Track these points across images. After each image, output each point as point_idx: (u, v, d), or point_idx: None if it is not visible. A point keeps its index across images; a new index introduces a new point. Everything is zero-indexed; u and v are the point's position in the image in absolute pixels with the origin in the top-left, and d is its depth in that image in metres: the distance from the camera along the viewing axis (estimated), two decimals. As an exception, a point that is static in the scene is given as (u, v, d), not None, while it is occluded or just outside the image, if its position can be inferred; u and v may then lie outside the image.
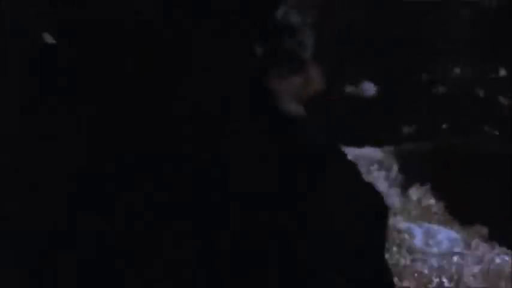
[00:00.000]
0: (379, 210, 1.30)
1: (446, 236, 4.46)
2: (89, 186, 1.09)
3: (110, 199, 1.13)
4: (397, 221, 4.28)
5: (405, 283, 3.93)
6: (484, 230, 4.71)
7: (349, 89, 6.79)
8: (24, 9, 1.09)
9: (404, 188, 5.10)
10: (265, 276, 1.22)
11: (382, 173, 4.97)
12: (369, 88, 6.70)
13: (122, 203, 1.13)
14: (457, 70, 7.21)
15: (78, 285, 1.11)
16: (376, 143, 5.36)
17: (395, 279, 3.76)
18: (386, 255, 1.26)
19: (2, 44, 1.07)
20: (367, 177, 4.69)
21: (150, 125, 1.11)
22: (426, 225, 4.54)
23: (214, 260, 1.17)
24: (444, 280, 4.10)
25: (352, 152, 5.18)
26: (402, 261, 4.08)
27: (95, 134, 1.09)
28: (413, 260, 4.20)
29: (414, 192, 4.99)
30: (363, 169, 5.00)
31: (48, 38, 0.98)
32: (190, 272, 1.14)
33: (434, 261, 4.19)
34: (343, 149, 1.21)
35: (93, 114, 1.07)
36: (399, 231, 4.24)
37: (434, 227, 4.55)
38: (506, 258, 4.45)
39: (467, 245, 4.55)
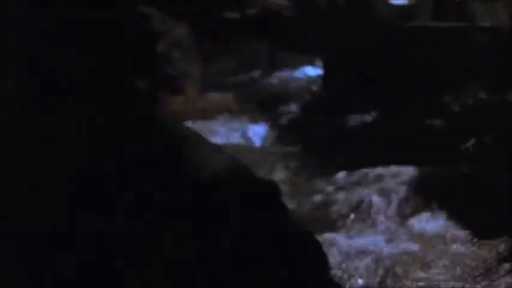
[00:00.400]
0: None
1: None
2: (89, 186, 1.10)
3: (109, 199, 1.14)
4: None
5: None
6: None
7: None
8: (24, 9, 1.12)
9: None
10: (265, 277, 1.22)
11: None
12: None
13: (122, 203, 1.14)
14: (478, 95, 7.20)
15: (77, 286, 1.11)
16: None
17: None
18: None
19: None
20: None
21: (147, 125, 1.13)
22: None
23: (214, 260, 1.18)
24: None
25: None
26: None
27: (94, 134, 1.11)
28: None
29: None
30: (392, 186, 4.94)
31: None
32: (190, 272, 1.15)
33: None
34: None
35: (93, 114, 1.08)
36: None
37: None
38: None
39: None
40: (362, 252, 4.02)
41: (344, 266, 3.90)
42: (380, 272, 3.82)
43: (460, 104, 7.25)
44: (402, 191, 4.81)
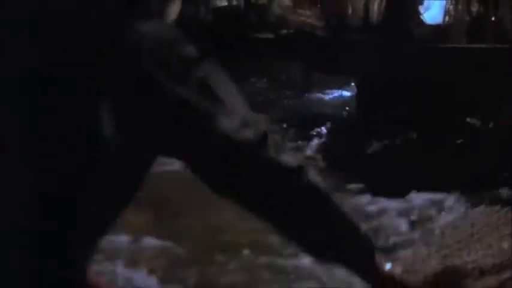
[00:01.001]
0: None
1: None
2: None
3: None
4: None
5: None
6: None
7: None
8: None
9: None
10: None
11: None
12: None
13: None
14: (500, 114, 7.13)
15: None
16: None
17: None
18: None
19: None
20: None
21: None
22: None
23: None
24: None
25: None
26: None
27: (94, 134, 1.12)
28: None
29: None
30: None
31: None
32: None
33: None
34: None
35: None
36: None
37: None
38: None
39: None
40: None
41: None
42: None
43: (495, 127, 7.14)
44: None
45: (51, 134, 1.06)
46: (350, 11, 10.23)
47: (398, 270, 1.17)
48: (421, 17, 9.20)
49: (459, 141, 6.59)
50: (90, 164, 1.07)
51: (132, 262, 3.87)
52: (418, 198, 4.97)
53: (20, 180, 1.07)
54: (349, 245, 1.16)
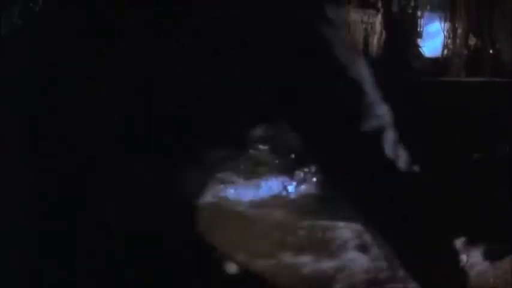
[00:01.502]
0: None
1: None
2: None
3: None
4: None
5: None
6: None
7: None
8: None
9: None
10: None
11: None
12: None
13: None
14: (506, 148, 7.19)
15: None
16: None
17: None
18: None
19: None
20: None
21: None
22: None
23: None
24: None
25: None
26: None
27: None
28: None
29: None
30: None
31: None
32: None
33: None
34: None
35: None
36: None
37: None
38: None
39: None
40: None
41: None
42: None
43: (493, 162, 7.19)
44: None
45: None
46: (349, 44, 10.34)
47: None
48: (420, 50, 9.33)
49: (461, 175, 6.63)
50: None
51: None
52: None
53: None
54: (444, 270, 1.15)
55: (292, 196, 5.91)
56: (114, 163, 1.12)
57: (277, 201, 5.80)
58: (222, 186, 5.16)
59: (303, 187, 6.26)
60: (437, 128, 7.55)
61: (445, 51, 9.26)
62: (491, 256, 4.40)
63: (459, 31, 9.55)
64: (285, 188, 6.17)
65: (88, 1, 1.14)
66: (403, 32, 9.36)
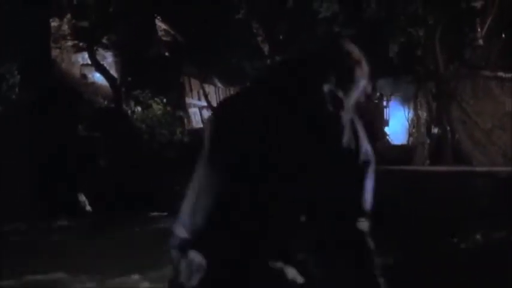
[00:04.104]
0: None
1: None
2: None
3: None
4: None
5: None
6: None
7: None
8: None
9: None
10: None
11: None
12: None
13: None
14: (479, 236, 7.34)
15: None
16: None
17: None
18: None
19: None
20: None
21: None
22: None
23: None
24: None
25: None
26: None
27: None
28: None
29: None
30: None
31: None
32: None
33: None
34: None
35: None
36: None
37: None
38: None
39: None
40: None
41: None
42: None
43: (458, 247, 7.39)
44: None
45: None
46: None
47: None
48: (388, 138, 9.68)
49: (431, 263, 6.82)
50: None
51: None
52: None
53: None
54: None
55: None
56: None
57: None
58: None
59: None
60: (401, 217, 7.75)
61: (411, 139, 9.70)
62: None
63: (422, 121, 10.02)
64: None
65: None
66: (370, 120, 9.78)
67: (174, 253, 1.61)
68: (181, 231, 1.60)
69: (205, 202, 1.62)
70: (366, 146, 1.65)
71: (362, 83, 1.69)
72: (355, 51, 1.71)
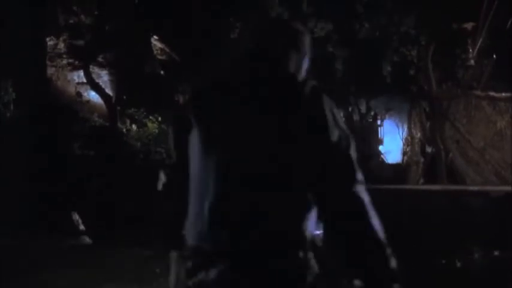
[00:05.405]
0: None
1: None
2: None
3: None
4: None
5: None
6: None
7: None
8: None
9: None
10: None
11: None
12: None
13: None
14: (473, 254, 7.38)
15: None
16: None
17: None
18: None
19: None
20: None
21: None
22: None
23: None
24: None
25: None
26: None
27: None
28: None
29: None
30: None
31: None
32: None
33: None
34: None
35: None
36: None
37: None
38: None
39: None
40: None
41: None
42: None
43: (452, 265, 7.44)
44: None
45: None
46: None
47: None
48: (383, 157, 9.74)
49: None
50: None
51: None
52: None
53: None
54: None
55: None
56: None
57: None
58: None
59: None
60: (396, 236, 7.80)
61: (405, 158, 9.76)
62: None
63: (416, 140, 10.11)
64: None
65: None
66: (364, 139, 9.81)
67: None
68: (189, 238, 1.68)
69: (201, 201, 1.68)
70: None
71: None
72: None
